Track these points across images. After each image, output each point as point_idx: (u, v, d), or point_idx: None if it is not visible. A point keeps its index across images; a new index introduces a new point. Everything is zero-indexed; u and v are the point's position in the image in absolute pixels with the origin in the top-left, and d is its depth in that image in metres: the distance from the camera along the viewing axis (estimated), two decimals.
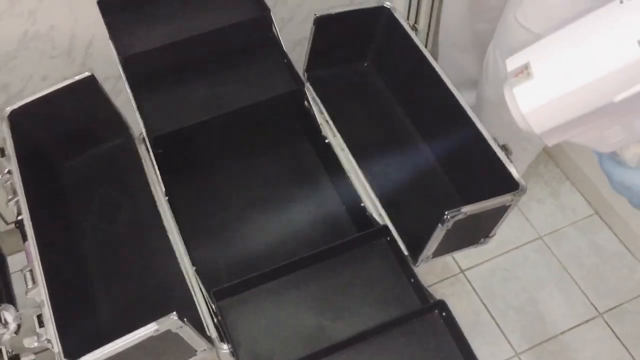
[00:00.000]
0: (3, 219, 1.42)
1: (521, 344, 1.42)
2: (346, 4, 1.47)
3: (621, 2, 0.51)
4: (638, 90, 0.51)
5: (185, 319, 0.77)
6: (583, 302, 1.47)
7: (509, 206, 0.90)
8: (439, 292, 1.51)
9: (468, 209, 0.86)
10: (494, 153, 0.92)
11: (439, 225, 0.86)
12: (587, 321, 1.44)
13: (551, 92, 0.53)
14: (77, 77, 0.96)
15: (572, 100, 0.53)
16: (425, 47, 1.43)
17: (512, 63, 0.56)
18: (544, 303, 1.47)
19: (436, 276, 1.54)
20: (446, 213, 0.84)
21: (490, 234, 0.97)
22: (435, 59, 1.54)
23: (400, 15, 1.05)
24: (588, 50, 0.52)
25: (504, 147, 0.92)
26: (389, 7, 1.06)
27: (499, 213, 0.91)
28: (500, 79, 1.22)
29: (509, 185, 0.90)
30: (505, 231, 1.59)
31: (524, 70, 0.55)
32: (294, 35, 1.42)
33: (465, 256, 1.55)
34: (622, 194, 0.63)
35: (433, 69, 0.98)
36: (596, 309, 1.46)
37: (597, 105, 0.53)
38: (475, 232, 0.95)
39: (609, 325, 1.43)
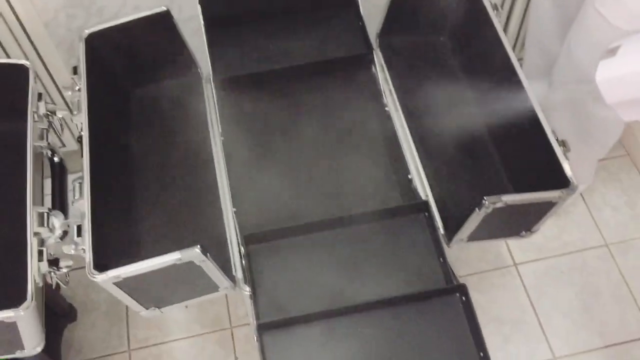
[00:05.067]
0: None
1: (561, 349, 1.37)
2: None
3: None
4: None
5: (208, 254, 0.80)
6: (638, 320, 1.40)
7: (556, 203, 0.86)
8: (487, 281, 1.48)
9: (509, 199, 0.83)
10: (550, 146, 0.88)
11: (476, 209, 0.84)
12: (639, 339, 1.38)
13: (623, 68, 0.65)
14: (154, 11, 0.99)
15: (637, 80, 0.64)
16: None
17: (611, 45, 0.69)
18: (594, 313, 1.41)
19: (487, 264, 1.50)
20: (485, 199, 0.82)
21: (533, 229, 0.94)
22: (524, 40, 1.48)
23: None
24: None
25: (562, 143, 0.88)
26: None
27: (545, 208, 0.88)
28: (572, 67, 1.16)
29: (561, 181, 0.86)
30: (570, 231, 1.54)
31: (615, 50, 0.67)
32: None
33: (521, 249, 1.50)
34: None
35: (507, 54, 0.94)
36: None
37: None
38: (516, 223, 0.92)
39: None
